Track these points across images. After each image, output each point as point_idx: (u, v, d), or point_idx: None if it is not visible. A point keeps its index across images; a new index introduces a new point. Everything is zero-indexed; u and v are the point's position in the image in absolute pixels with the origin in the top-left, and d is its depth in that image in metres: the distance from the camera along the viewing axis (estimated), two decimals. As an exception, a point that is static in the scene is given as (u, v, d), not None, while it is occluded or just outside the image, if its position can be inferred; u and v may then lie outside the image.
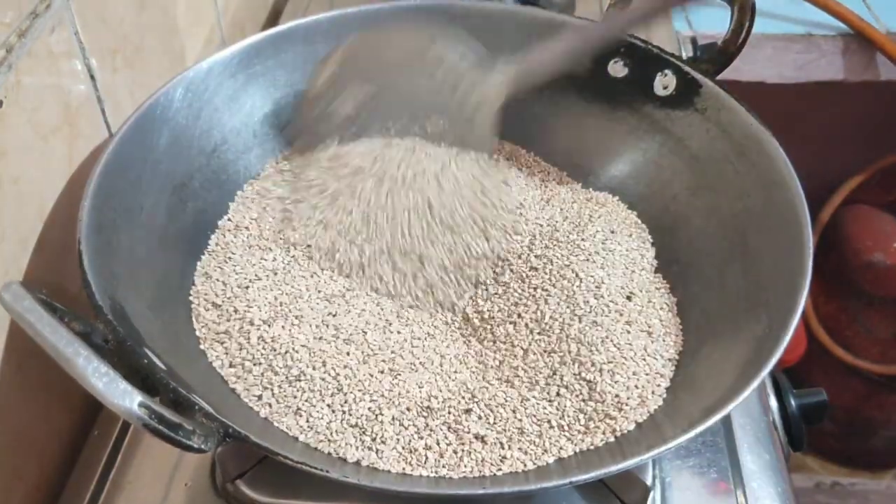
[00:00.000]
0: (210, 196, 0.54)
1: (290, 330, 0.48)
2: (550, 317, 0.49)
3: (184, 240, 0.52)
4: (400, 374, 0.47)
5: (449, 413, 0.45)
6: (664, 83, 0.56)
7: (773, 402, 0.56)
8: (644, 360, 0.47)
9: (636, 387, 0.46)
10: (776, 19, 0.97)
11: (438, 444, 0.44)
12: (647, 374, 0.47)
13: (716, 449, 0.51)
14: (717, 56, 0.56)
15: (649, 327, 0.49)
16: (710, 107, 0.54)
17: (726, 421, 0.52)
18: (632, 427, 0.45)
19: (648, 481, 0.46)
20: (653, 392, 0.46)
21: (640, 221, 0.57)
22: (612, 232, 0.55)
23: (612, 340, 0.48)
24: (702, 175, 0.55)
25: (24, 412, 0.48)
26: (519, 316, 0.50)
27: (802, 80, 0.98)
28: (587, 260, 0.52)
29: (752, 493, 0.49)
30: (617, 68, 0.57)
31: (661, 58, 0.56)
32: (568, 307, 0.49)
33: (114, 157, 0.47)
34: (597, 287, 0.50)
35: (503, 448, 0.44)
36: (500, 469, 0.43)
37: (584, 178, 0.60)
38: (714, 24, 0.95)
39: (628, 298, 0.51)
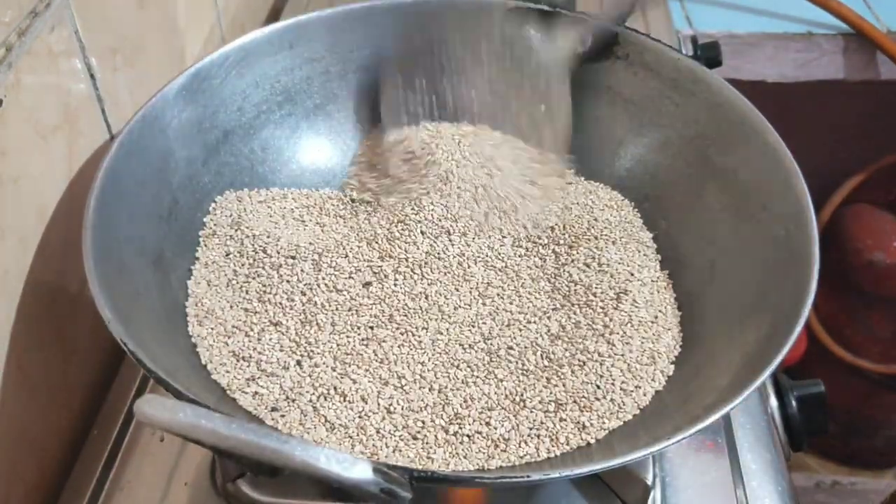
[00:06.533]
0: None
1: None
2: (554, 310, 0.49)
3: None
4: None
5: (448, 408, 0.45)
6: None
7: (773, 402, 0.56)
8: (642, 355, 0.47)
9: (635, 383, 0.46)
10: (776, 18, 0.97)
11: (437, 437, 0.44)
12: (645, 371, 0.47)
13: (716, 449, 0.51)
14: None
15: (646, 322, 0.49)
16: (631, 52, 0.55)
17: (726, 420, 0.52)
18: (630, 423, 0.45)
19: (649, 480, 0.46)
20: (651, 388, 0.46)
21: (639, 219, 0.57)
22: (613, 243, 0.55)
23: (609, 336, 0.48)
24: (642, 114, 0.56)
25: (24, 412, 0.48)
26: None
27: (803, 79, 0.98)
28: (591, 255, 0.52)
29: (752, 493, 0.49)
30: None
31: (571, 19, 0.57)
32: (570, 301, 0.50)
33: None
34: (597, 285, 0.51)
35: (501, 441, 0.44)
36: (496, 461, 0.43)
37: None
38: (714, 23, 0.95)
39: (625, 292, 0.51)
